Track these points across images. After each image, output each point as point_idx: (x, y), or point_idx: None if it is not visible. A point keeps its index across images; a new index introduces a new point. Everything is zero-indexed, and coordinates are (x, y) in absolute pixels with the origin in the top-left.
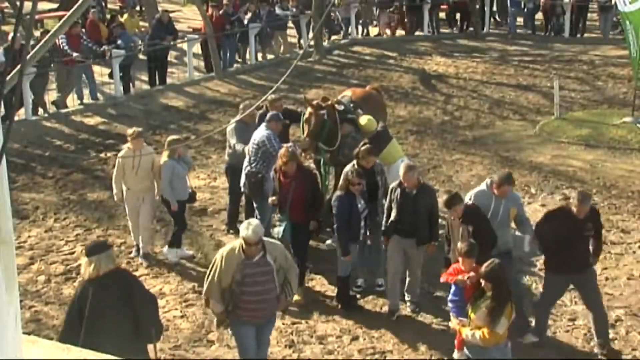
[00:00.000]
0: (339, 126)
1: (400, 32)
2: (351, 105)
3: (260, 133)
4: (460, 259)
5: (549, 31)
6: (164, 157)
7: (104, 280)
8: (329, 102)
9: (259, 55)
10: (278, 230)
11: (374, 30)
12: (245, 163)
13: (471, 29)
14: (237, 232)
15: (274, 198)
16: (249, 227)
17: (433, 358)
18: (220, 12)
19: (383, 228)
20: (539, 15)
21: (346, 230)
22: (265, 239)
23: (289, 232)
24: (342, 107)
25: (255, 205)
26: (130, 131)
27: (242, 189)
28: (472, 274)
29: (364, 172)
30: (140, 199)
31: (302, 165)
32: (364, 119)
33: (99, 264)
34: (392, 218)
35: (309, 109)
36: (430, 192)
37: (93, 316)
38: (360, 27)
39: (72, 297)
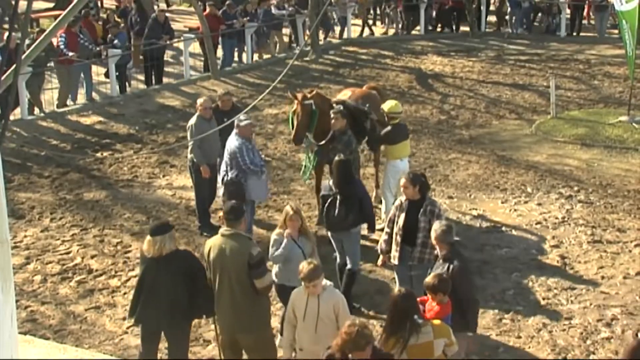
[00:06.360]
0: (330, 117)
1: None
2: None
3: (233, 143)
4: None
5: (545, 30)
6: None
7: (166, 260)
8: (314, 92)
9: (255, 54)
10: None
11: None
12: (222, 171)
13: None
14: (211, 232)
15: None
16: None
17: None
18: (220, 12)
19: None
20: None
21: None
22: None
23: None
24: (340, 107)
25: None
26: (304, 266)
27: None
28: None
29: (409, 204)
30: None
31: (376, 347)
32: (388, 104)
33: (163, 244)
34: None
35: (295, 102)
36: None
37: (151, 291)
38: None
39: (139, 274)
